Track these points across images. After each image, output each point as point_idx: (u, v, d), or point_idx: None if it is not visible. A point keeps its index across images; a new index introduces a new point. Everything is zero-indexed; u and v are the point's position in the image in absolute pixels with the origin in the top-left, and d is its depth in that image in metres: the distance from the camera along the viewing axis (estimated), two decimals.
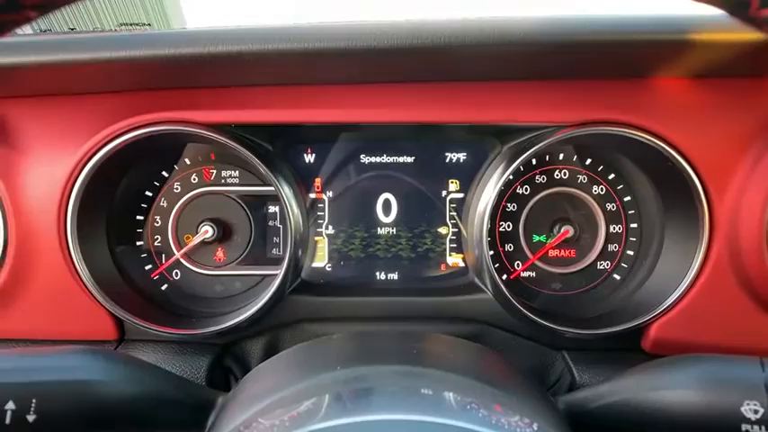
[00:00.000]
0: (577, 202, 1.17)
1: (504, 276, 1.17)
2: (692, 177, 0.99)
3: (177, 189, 1.18)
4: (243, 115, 1.05)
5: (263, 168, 1.04)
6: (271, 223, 1.19)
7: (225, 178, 1.18)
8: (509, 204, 1.17)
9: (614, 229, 1.17)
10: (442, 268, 1.20)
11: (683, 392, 0.66)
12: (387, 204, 1.19)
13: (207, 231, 1.15)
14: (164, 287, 1.19)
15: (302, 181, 1.17)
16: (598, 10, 0.95)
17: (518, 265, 1.18)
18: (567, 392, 0.85)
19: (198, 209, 1.18)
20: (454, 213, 1.18)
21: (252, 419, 0.59)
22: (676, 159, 0.99)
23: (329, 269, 1.20)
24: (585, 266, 1.18)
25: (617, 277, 1.17)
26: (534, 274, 1.19)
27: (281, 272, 1.07)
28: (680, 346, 1.02)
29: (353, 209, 1.19)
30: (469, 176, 1.17)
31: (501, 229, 1.18)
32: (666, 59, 0.96)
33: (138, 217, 1.18)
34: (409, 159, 1.18)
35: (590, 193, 1.16)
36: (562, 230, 1.14)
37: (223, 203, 1.18)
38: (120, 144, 1.02)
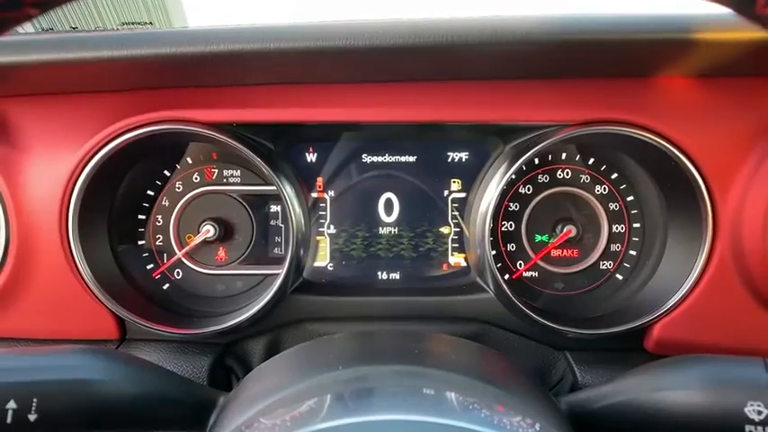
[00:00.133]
0: (580, 201, 1.16)
1: (507, 276, 1.17)
2: (696, 177, 0.99)
3: (179, 188, 1.18)
4: (245, 114, 1.05)
5: (264, 168, 1.04)
6: (272, 223, 1.19)
7: (227, 177, 1.18)
8: (511, 204, 1.17)
9: (617, 228, 1.16)
10: (444, 268, 1.20)
11: (686, 393, 0.65)
12: (389, 204, 1.18)
13: (208, 231, 1.15)
14: (165, 286, 1.19)
15: (304, 180, 1.17)
16: (602, 8, 0.95)
17: (520, 264, 1.18)
18: (570, 393, 0.84)
19: (199, 208, 1.18)
20: (456, 213, 1.18)
21: (253, 419, 0.59)
22: (680, 159, 0.99)
23: (331, 269, 1.20)
24: (588, 266, 1.17)
25: (619, 277, 1.17)
26: (536, 273, 1.19)
27: (282, 271, 1.07)
28: (683, 346, 1.02)
29: (355, 208, 1.19)
30: (472, 176, 1.17)
31: (503, 229, 1.17)
32: (670, 58, 0.96)
33: (140, 216, 1.18)
34: (411, 159, 1.18)
35: (593, 193, 1.16)
36: (564, 230, 1.13)
37: (225, 203, 1.18)
38: (121, 143, 1.02)
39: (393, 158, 1.18)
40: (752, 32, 0.84)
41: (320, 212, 1.18)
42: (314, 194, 1.18)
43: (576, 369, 1.09)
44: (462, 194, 1.18)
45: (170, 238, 1.18)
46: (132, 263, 1.16)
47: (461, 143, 1.17)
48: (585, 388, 0.88)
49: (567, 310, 1.15)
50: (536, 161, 1.15)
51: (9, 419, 0.59)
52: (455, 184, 1.18)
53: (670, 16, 0.90)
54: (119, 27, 1.12)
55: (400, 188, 1.18)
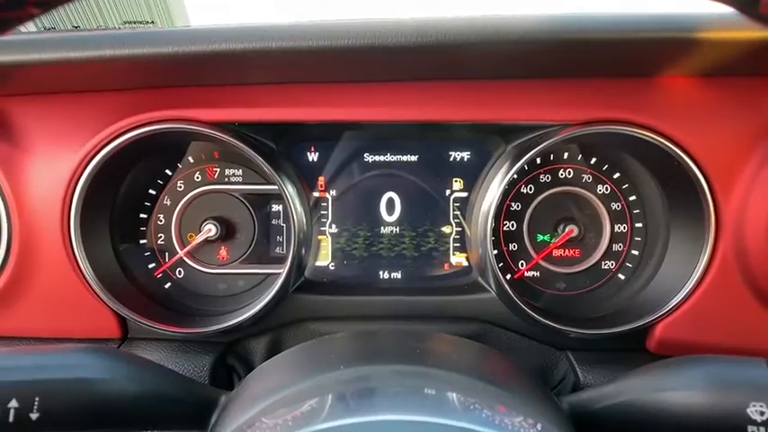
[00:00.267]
0: (582, 201, 1.16)
1: (508, 276, 1.17)
2: (698, 177, 0.99)
3: (180, 187, 1.18)
4: (247, 114, 1.05)
5: (266, 167, 1.04)
6: (274, 222, 1.19)
7: (228, 177, 1.18)
8: (513, 203, 1.17)
9: (619, 228, 1.16)
10: (446, 267, 1.19)
11: (688, 393, 0.65)
12: (390, 203, 1.18)
13: (210, 230, 1.15)
14: (167, 285, 1.19)
15: (306, 180, 1.17)
16: (605, 8, 0.95)
17: (522, 264, 1.18)
18: (571, 393, 0.84)
19: (201, 207, 1.18)
20: (458, 212, 1.18)
21: (255, 419, 0.58)
22: (682, 158, 0.99)
23: (332, 268, 1.20)
24: (590, 266, 1.17)
25: (622, 277, 1.17)
26: (538, 273, 1.18)
27: (284, 270, 1.07)
28: (685, 346, 1.02)
29: (357, 208, 1.19)
30: (473, 175, 1.16)
31: (505, 229, 1.17)
32: (673, 58, 0.95)
33: (142, 215, 1.18)
34: (413, 158, 1.17)
35: (595, 193, 1.16)
36: (566, 230, 1.13)
37: (226, 202, 1.18)
38: (123, 142, 1.02)
39: (395, 158, 1.17)
40: (755, 32, 0.84)
41: (322, 212, 1.18)
42: (316, 194, 1.18)
43: (577, 369, 1.09)
44: (464, 194, 1.17)
45: (172, 238, 1.18)
46: (134, 262, 1.16)
47: (463, 142, 1.17)
48: (587, 388, 0.88)
49: (568, 310, 1.15)
50: (538, 161, 1.15)
51: (11, 418, 0.59)
52: (457, 184, 1.17)
53: (673, 15, 0.89)
54: (121, 26, 1.12)
55: (402, 187, 1.18)
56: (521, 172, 1.13)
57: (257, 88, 1.06)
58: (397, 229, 1.19)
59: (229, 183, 1.18)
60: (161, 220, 1.18)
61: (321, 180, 1.18)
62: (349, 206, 1.19)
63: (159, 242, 1.19)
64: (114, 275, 1.11)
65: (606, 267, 1.17)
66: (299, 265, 1.11)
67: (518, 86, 1.04)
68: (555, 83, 1.04)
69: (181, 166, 1.18)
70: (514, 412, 0.59)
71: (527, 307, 1.05)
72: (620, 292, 1.16)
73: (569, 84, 1.03)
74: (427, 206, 1.18)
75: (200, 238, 1.15)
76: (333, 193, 1.18)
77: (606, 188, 1.16)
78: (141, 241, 1.18)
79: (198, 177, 1.18)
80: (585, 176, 1.16)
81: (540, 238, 1.17)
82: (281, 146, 1.13)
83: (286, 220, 1.19)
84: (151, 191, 1.18)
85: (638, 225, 1.16)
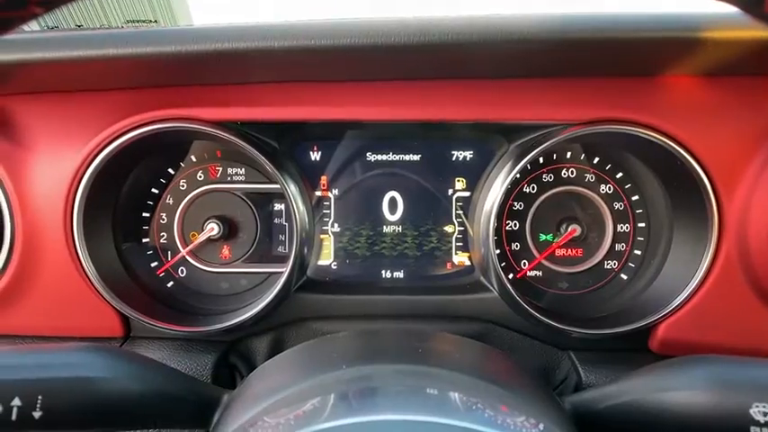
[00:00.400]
0: (585, 201, 1.16)
1: (511, 275, 1.17)
2: (702, 176, 0.98)
3: (183, 186, 1.18)
4: (249, 113, 1.05)
5: (269, 166, 1.04)
6: (276, 221, 1.19)
7: (231, 176, 1.18)
8: (516, 203, 1.17)
9: (622, 228, 1.16)
10: (448, 267, 1.19)
11: (691, 394, 0.65)
12: (393, 202, 1.18)
13: (213, 229, 1.15)
14: (169, 284, 1.19)
15: (308, 179, 1.17)
16: (608, 7, 0.94)
17: (524, 264, 1.18)
18: (574, 393, 0.84)
19: (204, 206, 1.18)
20: (460, 212, 1.18)
21: (257, 418, 0.59)
22: (685, 158, 0.98)
23: (335, 267, 1.20)
24: (592, 266, 1.17)
25: (624, 277, 1.17)
26: (541, 273, 1.18)
27: (286, 269, 1.07)
28: (688, 346, 1.02)
29: (359, 207, 1.19)
30: (476, 175, 1.16)
31: (507, 228, 1.17)
32: (676, 57, 0.95)
33: (144, 214, 1.18)
34: (415, 157, 1.17)
35: (597, 192, 1.16)
36: (569, 229, 1.13)
37: (229, 201, 1.18)
38: (126, 141, 1.03)
39: (397, 157, 1.17)
40: (759, 31, 0.84)
41: (324, 211, 1.18)
42: (318, 193, 1.18)
43: (580, 369, 1.09)
44: (467, 193, 1.17)
45: (174, 236, 1.18)
46: (136, 261, 1.16)
47: (466, 142, 1.17)
48: (590, 388, 0.87)
49: (571, 310, 1.15)
50: (540, 160, 1.15)
51: (14, 416, 0.59)
52: (459, 183, 1.17)
53: (677, 15, 0.89)
54: (124, 25, 1.12)
55: (404, 187, 1.18)
56: (523, 171, 1.13)
57: (260, 87, 1.06)
58: (400, 229, 1.19)
59: (232, 182, 1.18)
60: (164, 219, 1.18)
61: (323, 179, 1.18)
62: (351, 205, 1.19)
63: (162, 241, 1.19)
64: (117, 274, 1.12)
65: (609, 267, 1.17)
66: (301, 264, 1.11)
67: (521, 86, 1.04)
68: (558, 82, 1.03)
69: (183, 165, 1.18)
70: (517, 412, 0.59)
71: (529, 307, 1.04)
72: (623, 291, 1.16)
73: (572, 83, 1.03)
74: (430, 205, 1.18)
75: (202, 237, 1.15)
76: (335, 192, 1.18)
77: (609, 188, 1.16)
78: (144, 240, 1.19)
79: (200, 176, 1.18)
80: (588, 176, 1.16)
81: (543, 237, 1.17)
82: (284, 145, 1.13)
83: (288, 219, 1.19)
84: (154, 190, 1.18)
85: (641, 225, 1.16)
